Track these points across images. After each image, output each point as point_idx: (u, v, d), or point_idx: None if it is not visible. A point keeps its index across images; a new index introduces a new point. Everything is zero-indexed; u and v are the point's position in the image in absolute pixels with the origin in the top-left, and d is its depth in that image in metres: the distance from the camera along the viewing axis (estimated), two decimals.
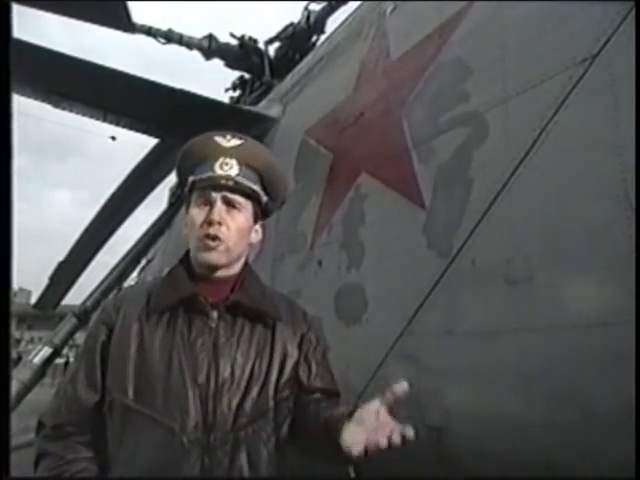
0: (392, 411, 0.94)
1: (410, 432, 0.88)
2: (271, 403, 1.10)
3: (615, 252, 1.40)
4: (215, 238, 1.11)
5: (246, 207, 1.17)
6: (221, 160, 1.15)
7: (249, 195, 1.17)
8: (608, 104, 1.47)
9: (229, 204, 1.14)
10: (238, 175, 1.15)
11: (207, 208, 1.13)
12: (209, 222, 1.11)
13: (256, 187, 1.18)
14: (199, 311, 1.11)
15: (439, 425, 1.91)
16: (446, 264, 1.89)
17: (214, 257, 1.12)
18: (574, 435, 1.47)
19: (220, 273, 1.15)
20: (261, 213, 1.23)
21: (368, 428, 0.93)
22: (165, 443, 1.01)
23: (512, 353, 1.65)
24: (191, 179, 1.18)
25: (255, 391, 1.09)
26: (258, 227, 1.23)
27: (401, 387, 0.94)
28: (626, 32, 1.45)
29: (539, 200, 1.64)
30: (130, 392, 1.05)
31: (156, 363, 1.06)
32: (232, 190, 1.14)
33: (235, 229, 1.13)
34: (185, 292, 1.12)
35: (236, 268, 1.19)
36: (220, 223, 1.11)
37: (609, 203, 1.42)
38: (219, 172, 1.14)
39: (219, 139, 1.18)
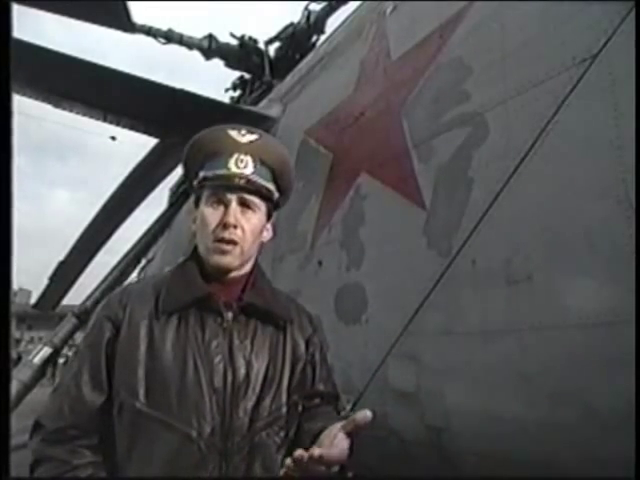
0: (351, 435, 0.91)
1: (316, 452, 0.84)
2: (284, 407, 1.08)
3: (615, 252, 1.40)
4: (230, 242, 1.07)
5: (260, 207, 1.13)
6: (236, 156, 1.10)
7: (263, 194, 1.13)
8: (608, 104, 1.47)
9: (244, 204, 1.10)
10: (253, 174, 1.10)
11: (221, 208, 1.09)
12: (224, 225, 1.07)
13: (270, 185, 1.14)
14: (213, 311, 1.07)
15: (439, 425, 1.91)
16: (446, 264, 1.89)
17: (227, 260, 1.08)
18: (574, 435, 1.47)
19: (232, 274, 1.12)
20: (272, 211, 1.19)
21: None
22: (182, 449, 0.97)
23: (512, 353, 1.65)
24: (202, 174, 1.13)
25: (269, 395, 1.06)
26: (269, 225, 1.19)
27: (363, 416, 0.89)
28: (626, 32, 1.45)
29: (539, 200, 1.64)
30: (141, 395, 1.00)
31: (169, 364, 1.01)
32: (247, 190, 1.10)
33: (250, 231, 1.10)
34: (199, 292, 1.07)
35: (247, 267, 1.15)
36: (235, 226, 1.07)
37: (609, 203, 1.42)
38: (234, 170, 1.09)
39: (233, 133, 1.12)
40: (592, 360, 1.44)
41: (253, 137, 1.14)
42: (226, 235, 1.07)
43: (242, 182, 1.09)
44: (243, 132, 1.14)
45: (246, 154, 1.11)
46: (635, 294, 1.29)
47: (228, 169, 1.09)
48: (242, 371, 1.05)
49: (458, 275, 1.85)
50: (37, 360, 3.30)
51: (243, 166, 1.10)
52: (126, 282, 4.11)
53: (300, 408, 1.13)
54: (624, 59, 1.44)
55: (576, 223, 1.52)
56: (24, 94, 3.35)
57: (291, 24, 5.58)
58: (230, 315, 1.09)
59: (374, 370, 2.11)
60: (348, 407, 2.07)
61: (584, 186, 1.52)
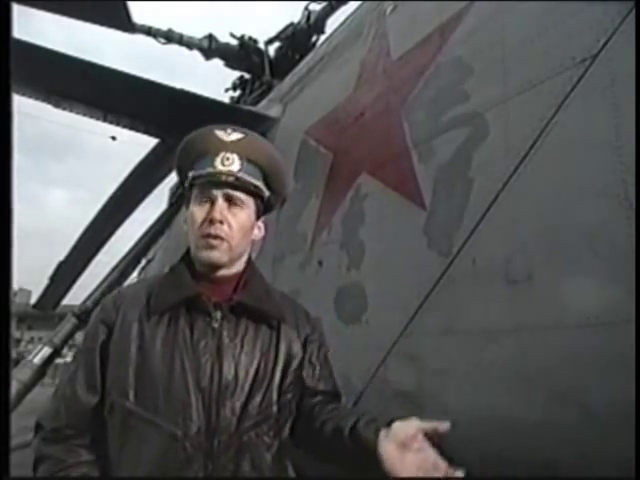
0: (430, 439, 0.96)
1: (460, 474, 0.90)
2: (275, 406, 1.08)
3: (615, 252, 1.40)
4: (217, 237, 1.08)
5: (248, 204, 1.14)
6: (222, 155, 1.12)
7: (251, 191, 1.14)
8: (608, 104, 1.47)
9: (230, 201, 1.11)
10: (240, 171, 1.12)
11: (208, 205, 1.10)
12: (210, 220, 1.08)
13: (258, 182, 1.16)
14: (202, 311, 1.08)
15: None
16: (446, 264, 1.89)
17: (215, 255, 1.09)
18: (574, 435, 1.47)
19: (222, 272, 1.13)
20: (263, 209, 1.20)
21: (414, 457, 0.93)
22: (168, 449, 0.98)
23: (512, 353, 1.65)
24: (191, 175, 1.15)
25: (259, 394, 1.07)
26: (260, 223, 1.20)
27: (445, 426, 0.96)
28: (626, 32, 1.45)
29: (539, 200, 1.64)
30: (131, 395, 1.02)
31: (157, 365, 1.03)
32: (233, 187, 1.11)
33: (237, 227, 1.11)
34: (188, 292, 1.09)
35: (238, 266, 1.17)
36: (222, 222, 1.09)
37: (609, 203, 1.42)
38: (220, 168, 1.11)
39: (219, 133, 1.15)
40: (592, 360, 1.43)
41: (239, 136, 1.16)
42: (212, 231, 1.08)
43: (229, 179, 1.11)
44: (229, 131, 1.15)
45: (232, 152, 1.13)
46: (635, 294, 1.29)
47: (214, 167, 1.11)
48: (230, 370, 1.05)
49: (458, 275, 1.85)
50: (37, 360, 3.31)
51: (229, 164, 1.12)
52: (126, 282, 4.11)
53: (294, 407, 1.14)
54: (624, 59, 1.44)
55: (576, 223, 1.52)
56: (24, 94, 3.35)
57: (291, 24, 5.58)
58: (219, 315, 1.09)
59: (374, 370, 2.11)
60: (348, 407, 2.07)
61: (584, 186, 1.51)
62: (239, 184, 1.12)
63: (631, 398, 1.23)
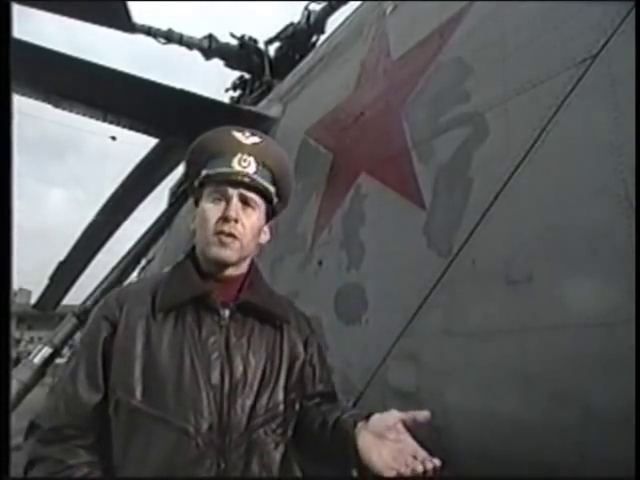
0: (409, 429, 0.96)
1: (437, 462, 0.89)
2: (281, 406, 1.09)
3: (615, 252, 1.40)
4: (230, 235, 1.08)
5: (260, 206, 1.15)
6: (239, 156, 1.12)
7: (263, 194, 1.15)
8: (608, 104, 1.47)
9: (244, 201, 1.12)
10: (255, 173, 1.13)
11: (223, 204, 1.10)
12: (225, 218, 1.08)
13: (270, 187, 1.17)
14: (210, 309, 1.08)
15: (439, 425, 1.90)
16: (446, 264, 1.89)
17: (227, 254, 1.09)
18: (574, 435, 1.47)
19: (229, 271, 1.13)
20: (271, 213, 1.21)
21: (391, 447, 0.93)
22: (179, 445, 0.97)
23: (512, 353, 1.65)
24: (205, 172, 1.15)
25: (267, 393, 1.07)
26: (266, 228, 1.21)
27: (423, 415, 0.96)
28: (626, 32, 1.45)
29: (539, 200, 1.64)
30: (138, 392, 1.00)
31: (165, 362, 1.02)
32: (248, 187, 1.12)
33: (249, 227, 1.11)
34: (197, 290, 1.09)
35: (243, 267, 1.17)
36: (236, 220, 1.09)
37: (609, 203, 1.42)
38: (237, 168, 1.11)
39: (238, 135, 1.15)
40: (592, 360, 1.43)
41: (257, 139, 1.17)
42: (226, 228, 1.08)
43: (245, 180, 1.12)
44: (247, 134, 1.17)
45: (249, 155, 1.14)
46: (635, 294, 1.29)
47: (231, 167, 1.12)
48: (239, 368, 1.05)
49: (458, 275, 1.85)
50: (37, 360, 3.31)
51: (246, 165, 1.13)
52: (126, 282, 4.11)
53: (297, 407, 1.14)
54: (624, 59, 1.44)
55: (576, 223, 1.52)
56: (24, 94, 3.35)
57: (291, 24, 5.58)
58: (227, 313, 1.09)
59: (374, 370, 2.11)
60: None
61: (584, 186, 1.51)
62: (254, 185, 1.13)
63: (631, 398, 1.23)
